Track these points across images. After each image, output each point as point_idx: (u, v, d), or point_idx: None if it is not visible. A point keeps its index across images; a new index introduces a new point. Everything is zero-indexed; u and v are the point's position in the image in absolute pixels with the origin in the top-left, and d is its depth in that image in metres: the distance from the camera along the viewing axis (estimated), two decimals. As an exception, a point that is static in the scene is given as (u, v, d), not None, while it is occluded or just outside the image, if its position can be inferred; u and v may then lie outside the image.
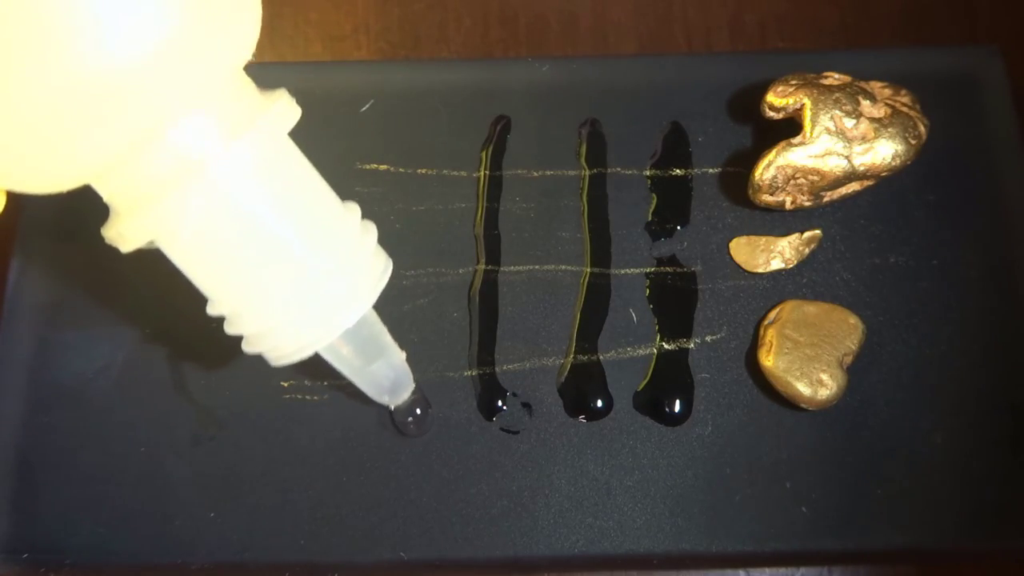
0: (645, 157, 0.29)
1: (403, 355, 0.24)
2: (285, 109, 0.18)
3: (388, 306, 0.28)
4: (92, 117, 0.15)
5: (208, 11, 0.15)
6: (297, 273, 0.19)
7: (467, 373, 0.27)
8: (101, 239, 0.29)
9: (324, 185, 0.20)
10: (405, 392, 0.25)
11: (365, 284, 0.20)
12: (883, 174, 0.26)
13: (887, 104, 0.26)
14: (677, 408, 0.26)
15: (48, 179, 0.16)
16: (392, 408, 0.26)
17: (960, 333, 0.27)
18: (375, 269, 0.21)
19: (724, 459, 0.26)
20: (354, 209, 0.21)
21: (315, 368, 0.27)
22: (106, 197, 0.18)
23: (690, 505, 0.25)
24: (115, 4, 0.14)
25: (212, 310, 0.20)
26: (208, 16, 0.15)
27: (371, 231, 0.21)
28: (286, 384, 0.27)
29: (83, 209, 0.30)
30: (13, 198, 0.30)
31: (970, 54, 0.30)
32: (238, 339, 0.20)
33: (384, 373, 0.24)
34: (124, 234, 0.17)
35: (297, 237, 0.19)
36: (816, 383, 0.25)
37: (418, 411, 0.26)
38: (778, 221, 0.28)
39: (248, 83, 0.18)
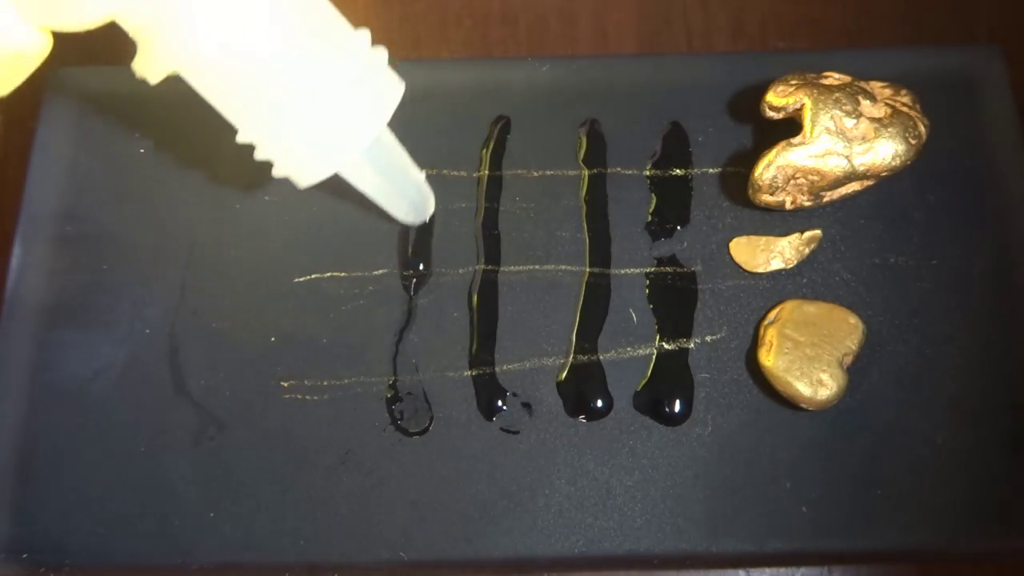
0: (645, 157, 0.29)
1: (423, 174, 0.25)
2: None
3: (388, 306, 0.28)
4: None
5: None
6: (315, 96, 0.20)
7: (467, 373, 0.27)
8: (100, 238, 0.29)
9: (336, 13, 0.21)
10: (428, 209, 0.26)
11: (380, 103, 0.22)
12: (883, 174, 0.26)
13: (887, 104, 0.26)
14: (677, 408, 0.26)
15: (81, 8, 0.17)
16: (416, 224, 0.28)
17: (960, 333, 0.27)
18: (388, 89, 0.22)
19: (724, 459, 0.26)
20: (364, 33, 0.22)
21: (315, 368, 0.27)
22: (131, 32, 0.19)
23: (690, 505, 0.25)
24: None
25: (241, 137, 0.21)
26: None
27: (382, 56, 0.22)
28: (286, 384, 0.27)
29: (84, 209, 0.30)
30: (12, 199, 0.30)
31: (970, 54, 0.30)
32: (268, 167, 0.22)
33: (406, 191, 0.25)
34: (150, 64, 0.19)
35: (312, 62, 0.20)
36: (816, 383, 0.25)
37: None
38: (778, 221, 0.28)
39: None
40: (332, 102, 0.20)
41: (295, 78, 0.20)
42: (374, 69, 0.22)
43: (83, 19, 0.18)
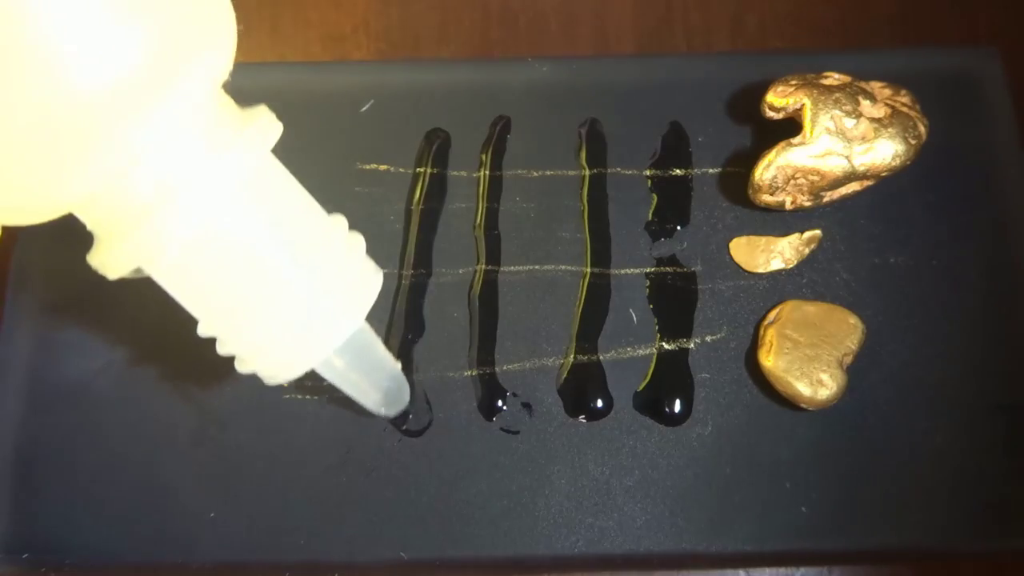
0: (645, 157, 0.29)
1: (398, 365, 0.24)
2: (265, 127, 0.18)
3: (387, 305, 0.28)
4: (65, 148, 0.14)
5: (181, 35, 0.15)
6: (286, 293, 0.18)
7: (467, 373, 0.27)
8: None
9: (310, 200, 0.20)
10: (402, 402, 0.24)
11: (356, 299, 0.20)
12: (883, 174, 0.26)
13: (887, 104, 0.26)
14: (677, 408, 0.26)
15: (28, 211, 0.16)
16: (390, 417, 0.26)
17: (960, 333, 0.27)
18: (365, 283, 0.20)
19: (724, 459, 0.26)
20: (341, 222, 0.20)
21: (315, 371, 0.27)
22: (89, 225, 0.17)
23: (690, 505, 0.25)
24: (81, 32, 0.13)
25: (203, 331, 0.20)
26: (181, 39, 0.15)
27: (359, 244, 0.21)
28: (286, 384, 0.27)
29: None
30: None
31: (970, 54, 0.30)
32: (231, 359, 0.20)
33: (380, 384, 0.23)
34: (108, 262, 0.17)
35: (284, 256, 0.18)
36: (816, 383, 0.25)
37: (410, 414, 0.26)
38: (778, 221, 0.28)
39: (228, 102, 0.18)
40: (307, 298, 0.19)
41: (268, 273, 0.18)
42: (352, 260, 0.20)
43: (38, 217, 0.16)
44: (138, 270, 0.18)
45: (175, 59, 0.15)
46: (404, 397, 0.24)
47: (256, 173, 0.18)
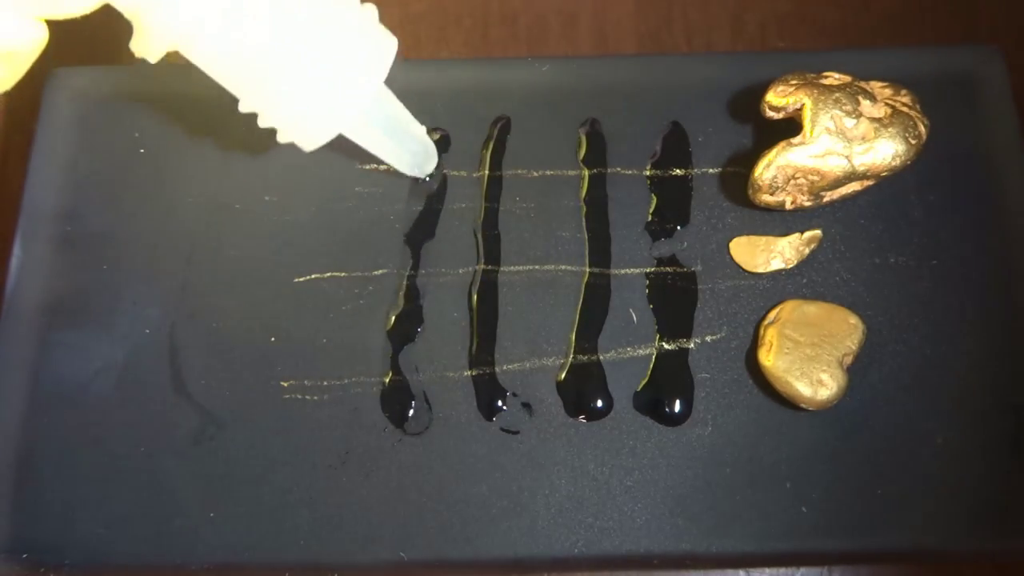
0: (645, 157, 0.29)
1: (423, 128, 0.26)
2: None
3: (387, 306, 0.28)
4: None
5: None
6: (312, 60, 0.21)
7: (467, 373, 0.27)
8: (100, 238, 0.29)
9: None
10: (432, 161, 0.27)
11: (374, 60, 0.22)
12: (883, 174, 0.26)
13: (887, 104, 0.26)
14: (677, 408, 0.26)
15: None
16: (424, 178, 0.28)
17: (960, 333, 0.27)
18: (381, 46, 0.23)
19: (724, 459, 0.26)
20: None
21: (315, 368, 0.27)
22: (126, 12, 0.19)
23: (690, 505, 0.25)
24: None
25: (243, 107, 0.22)
26: None
27: (372, 14, 0.23)
28: (286, 384, 0.27)
29: (84, 209, 0.30)
30: (12, 199, 0.30)
31: (970, 54, 0.30)
32: (272, 133, 0.22)
33: (409, 146, 0.26)
34: (149, 44, 0.19)
35: (308, 26, 0.20)
36: (816, 383, 0.25)
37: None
38: (778, 221, 0.28)
39: None
40: (330, 63, 0.21)
41: (292, 43, 0.20)
42: (367, 26, 0.22)
43: (78, 5, 0.18)
44: (176, 54, 0.20)
45: None
46: (432, 158, 0.27)
47: None
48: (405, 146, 0.26)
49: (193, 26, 0.19)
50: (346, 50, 0.21)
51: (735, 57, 0.32)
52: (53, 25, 0.19)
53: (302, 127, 0.22)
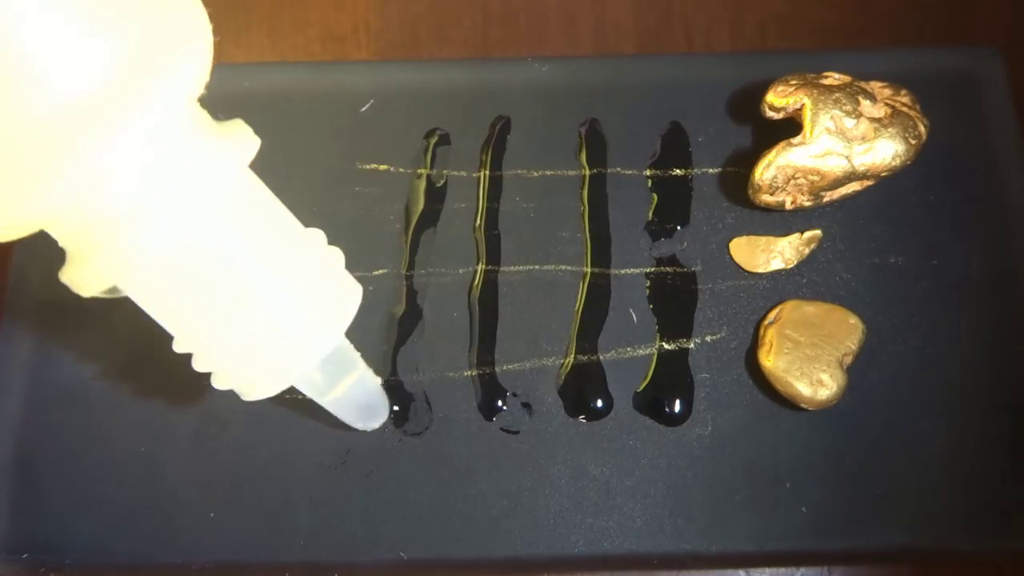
0: (645, 157, 0.29)
1: (378, 380, 0.24)
2: (242, 141, 0.18)
3: (387, 306, 0.28)
4: (32, 164, 0.14)
5: (152, 46, 0.15)
6: (263, 308, 0.18)
7: (467, 373, 0.27)
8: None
9: (287, 215, 0.19)
10: (381, 417, 0.25)
11: (334, 313, 0.20)
12: (883, 174, 0.26)
13: (887, 104, 0.26)
14: (677, 408, 0.26)
15: (3, 227, 0.15)
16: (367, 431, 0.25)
17: (960, 333, 0.27)
18: (344, 297, 0.20)
19: (724, 459, 0.26)
20: (319, 236, 0.20)
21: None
22: (61, 242, 0.17)
23: (690, 505, 0.25)
24: (45, 44, 0.13)
25: (179, 348, 0.19)
26: (153, 51, 0.15)
27: (338, 258, 0.20)
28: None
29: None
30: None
31: (970, 54, 0.30)
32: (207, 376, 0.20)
33: (359, 399, 0.23)
34: (80, 279, 0.17)
35: (262, 272, 0.18)
36: (816, 383, 0.25)
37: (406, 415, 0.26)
38: (778, 221, 0.28)
39: (204, 117, 0.17)
40: (285, 314, 0.18)
41: (246, 289, 0.18)
42: (331, 274, 0.20)
43: (8, 234, 0.16)
44: (113, 289, 0.17)
45: (147, 72, 0.14)
46: (383, 412, 0.25)
47: (232, 188, 0.17)
48: (359, 401, 0.23)
49: (139, 264, 0.16)
50: (309, 298, 0.19)
51: (735, 57, 0.32)
52: None
53: (247, 378, 0.19)
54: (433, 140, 0.29)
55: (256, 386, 0.20)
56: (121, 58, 0.14)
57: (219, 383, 0.20)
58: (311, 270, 0.19)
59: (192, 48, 0.16)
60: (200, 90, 0.16)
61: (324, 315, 0.20)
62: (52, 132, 0.14)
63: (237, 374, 0.19)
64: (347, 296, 0.20)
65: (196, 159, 0.16)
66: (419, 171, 0.29)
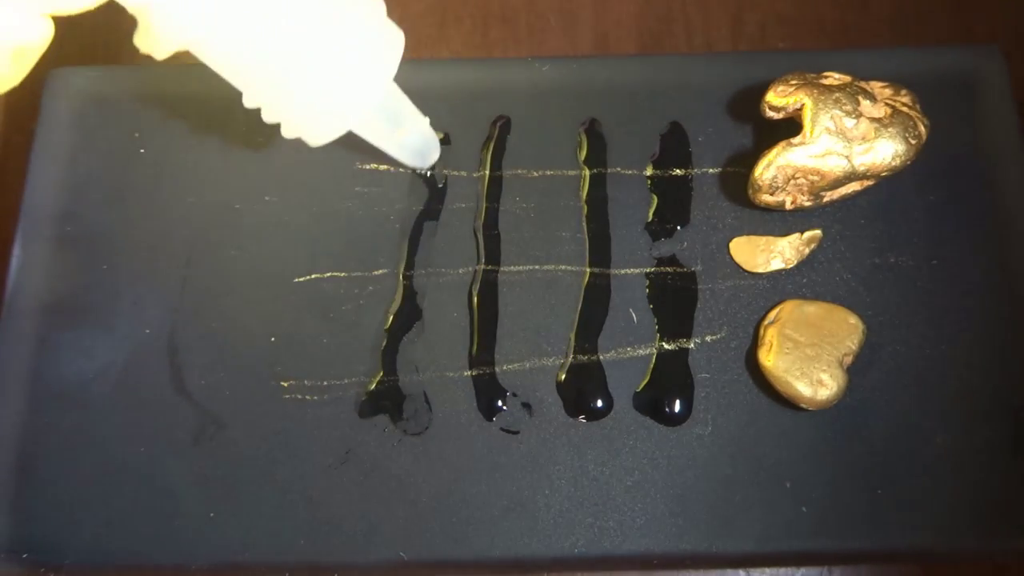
0: (645, 157, 0.29)
1: (427, 120, 0.26)
2: None
3: (387, 306, 0.28)
4: None
5: None
6: (322, 56, 0.20)
7: (467, 373, 0.27)
8: (100, 238, 0.29)
9: None
10: (434, 154, 0.27)
11: (384, 57, 0.22)
12: (883, 174, 0.26)
13: (887, 104, 0.26)
14: (677, 408, 0.26)
15: None
16: (426, 173, 0.29)
17: (960, 333, 0.27)
18: (390, 41, 0.22)
19: (724, 459, 0.26)
20: None
21: (315, 368, 0.27)
22: (130, 9, 0.19)
23: (690, 505, 0.25)
24: None
25: (248, 102, 0.21)
26: None
27: (380, 7, 0.22)
28: (286, 384, 0.27)
29: (83, 209, 0.30)
30: (12, 199, 0.30)
31: (970, 54, 0.30)
32: (275, 127, 0.22)
33: (413, 138, 0.26)
34: (156, 41, 0.19)
35: (317, 21, 0.20)
36: (816, 383, 0.25)
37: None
38: (778, 221, 0.28)
39: None
40: (340, 60, 0.21)
41: (302, 39, 0.20)
42: (375, 21, 0.22)
43: (84, 1, 0.17)
44: (181, 47, 0.19)
45: None
46: (435, 150, 0.27)
47: None
48: (410, 139, 0.26)
49: (203, 24, 0.19)
50: (356, 46, 0.21)
51: (735, 57, 0.32)
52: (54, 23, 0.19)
53: (311, 123, 0.22)
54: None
55: (322, 130, 0.22)
56: None
57: (287, 132, 0.22)
58: (359, 18, 0.21)
59: None
60: None
61: (375, 58, 0.22)
62: None
63: (304, 121, 0.22)
64: (392, 40, 0.22)
65: None
66: (420, 171, 0.29)
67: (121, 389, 0.27)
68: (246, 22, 0.19)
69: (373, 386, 0.27)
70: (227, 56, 0.20)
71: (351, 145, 0.29)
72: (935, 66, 0.30)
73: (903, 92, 0.27)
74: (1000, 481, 0.25)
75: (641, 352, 0.27)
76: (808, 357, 0.25)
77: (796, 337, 0.26)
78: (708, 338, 0.27)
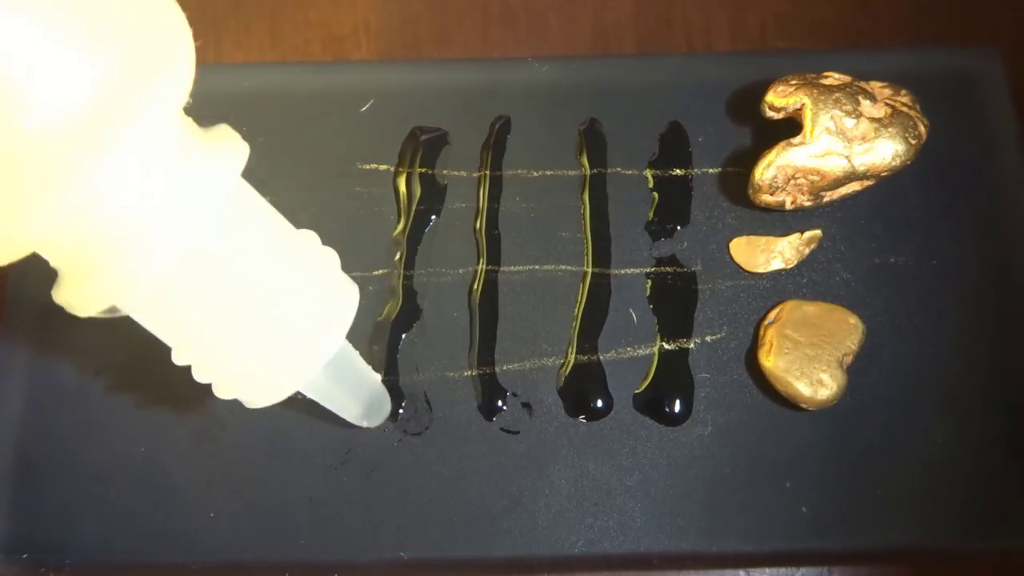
0: (645, 157, 0.29)
1: (378, 377, 0.24)
2: (233, 149, 0.17)
3: (387, 306, 0.28)
4: (21, 188, 0.13)
5: (137, 62, 0.14)
6: (266, 317, 0.18)
7: (467, 373, 0.27)
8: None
9: (281, 220, 0.19)
10: (383, 414, 0.25)
11: (336, 317, 0.20)
12: (883, 174, 0.26)
13: (887, 104, 0.26)
14: (677, 408, 0.26)
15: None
16: (383, 429, 0.26)
17: (960, 333, 0.27)
18: (343, 299, 0.20)
19: (724, 459, 0.26)
20: (313, 238, 0.20)
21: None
22: (53, 262, 0.16)
23: (690, 505, 0.25)
24: (28, 68, 0.13)
25: (178, 360, 0.19)
26: (138, 67, 0.14)
27: (334, 259, 0.20)
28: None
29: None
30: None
31: (970, 54, 0.30)
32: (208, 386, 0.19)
33: (361, 398, 0.24)
34: (77, 301, 0.16)
35: (262, 281, 0.18)
36: (816, 383, 0.25)
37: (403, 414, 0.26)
38: (778, 221, 0.28)
39: (190, 125, 0.17)
40: (288, 321, 0.18)
41: (247, 299, 0.18)
42: (329, 277, 0.20)
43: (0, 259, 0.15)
44: (111, 309, 0.17)
45: (132, 89, 0.14)
46: (385, 409, 0.25)
47: (227, 197, 0.17)
48: (360, 398, 0.24)
49: (135, 281, 0.16)
50: (307, 305, 0.19)
51: (735, 57, 0.32)
52: None
53: (250, 387, 0.19)
54: (435, 140, 0.29)
55: (260, 394, 0.19)
56: (105, 77, 0.14)
57: (222, 393, 0.19)
58: (310, 275, 0.19)
59: (178, 57, 0.15)
60: (185, 97, 0.16)
61: (326, 319, 0.19)
62: (40, 153, 0.13)
63: (240, 383, 0.19)
64: (346, 297, 0.20)
65: (189, 171, 0.16)
66: (420, 171, 0.29)
67: (121, 389, 0.27)
68: (188, 283, 0.17)
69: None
70: (161, 318, 0.18)
71: (351, 145, 0.29)
72: (935, 66, 0.30)
73: (903, 92, 0.27)
74: (1000, 481, 0.25)
75: (641, 352, 0.27)
76: (808, 357, 0.25)
77: (796, 337, 0.26)
78: (708, 338, 0.27)
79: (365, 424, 0.25)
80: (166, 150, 0.16)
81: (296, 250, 0.19)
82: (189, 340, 0.18)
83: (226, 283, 0.17)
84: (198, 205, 0.16)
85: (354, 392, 0.23)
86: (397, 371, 0.27)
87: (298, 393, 0.22)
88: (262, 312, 0.18)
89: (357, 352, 0.23)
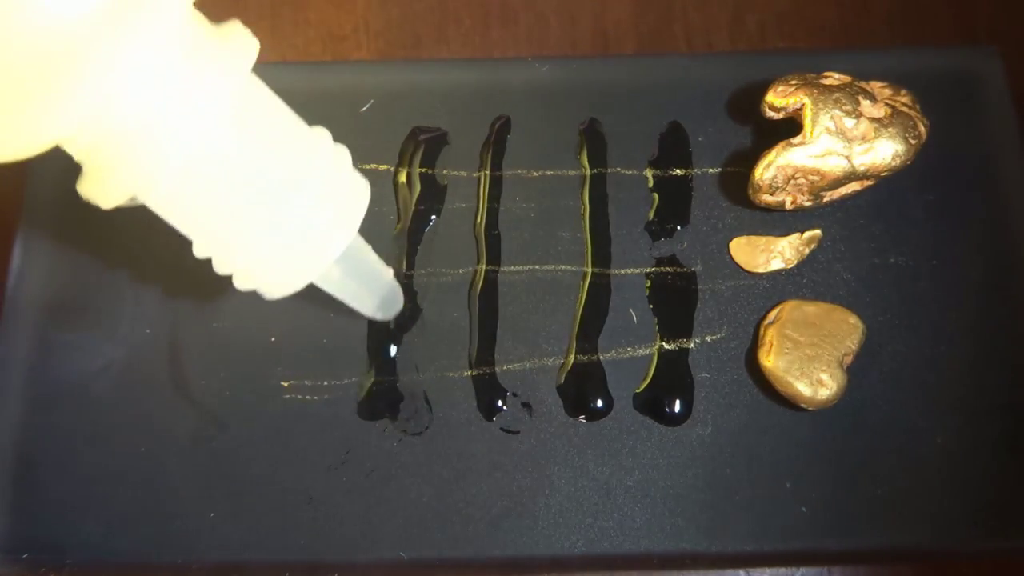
0: (645, 157, 0.29)
1: (391, 271, 0.25)
2: (244, 44, 0.18)
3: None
4: (45, 80, 0.14)
5: None
6: (281, 209, 0.19)
7: (467, 373, 0.27)
8: (100, 238, 0.29)
9: (293, 115, 0.20)
10: (397, 307, 0.25)
11: (348, 210, 0.20)
12: (883, 174, 0.26)
13: (887, 104, 0.26)
14: (677, 408, 0.26)
15: (13, 146, 0.16)
16: (390, 323, 0.27)
17: (960, 333, 0.27)
18: (355, 193, 0.21)
19: (724, 459, 0.26)
20: (325, 135, 0.21)
21: (315, 368, 0.27)
22: (76, 156, 0.17)
23: (690, 505, 0.25)
24: None
25: (199, 252, 0.20)
26: None
27: (345, 155, 0.21)
28: (286, 384, 0.27)
29: (83, 209, 0.30)
30: (12, 198, 0.30)
31: (970, 54, 0.30)
32: (228, 278, 0.20)
33: (375, 291, 0.24)
34: (101, 192, 0.17)
35: (277, 174, 0.18)
36: (816, 383, 0.25)
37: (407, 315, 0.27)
38: (778, 221, 0.28)
39: (201, 20, 0.17)
40: (303, 213, 0.19)
41: (263, 191, 0.18)
42: (341, 171, 0.20)
43: (25, 152, 0.16)
44: (132, 199, 0.18)
45: None
46: (398, 302, 0.26)
47: (240, 92, 0.18)
48: (373, 291, 0.24)
49: (159, 175, 0.17)
50: (321, 199, 0.19)
51: (735, 57, 0.32)
52: None
53: (268, 277, 0.20)
54: (435, 140, 0.29)
55: (279, 285, 0.20)
56: None
57: (241, 284, 0.20)
58: (322, 169, 0.20)
59: None
60: None
61: (338, 212, 0.20)
62: (60, 48, 0.14)
63: (259, 275, 0.20)
64: (358, 191, 0.21)
65: (202, 62, 0.17)
66: (420, 171, 0.29)
67: (121, 389, 0.27)
68: (205, 174, 0.17)
69: (373, 386, 0.27)
70: (181, 209, 0.18)
71: (351, 145, 0.29)
72: (935, 66, 0.30)
73: (903, 92, 0.27)
74: (1000, 481, 0.25)
75: (641, 352, 0.27)
76: (808, 357, 0.25)
77: (796, 337, 0.26)
78: (708, 338, 0.27)
79: (380, 316, 0.25)
80: (180, 41, 0.16)
81: (308, 144, 0.20)
82: (207, 232, 0.19)
83: (240, 175, 0.18)
84: (211, 96, 0.17)
85: (368, 285, 0.24)
86: (397, 371, 0.27)
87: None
88: (276, 204, 0.19)
89: (368, 246, 0.23)
